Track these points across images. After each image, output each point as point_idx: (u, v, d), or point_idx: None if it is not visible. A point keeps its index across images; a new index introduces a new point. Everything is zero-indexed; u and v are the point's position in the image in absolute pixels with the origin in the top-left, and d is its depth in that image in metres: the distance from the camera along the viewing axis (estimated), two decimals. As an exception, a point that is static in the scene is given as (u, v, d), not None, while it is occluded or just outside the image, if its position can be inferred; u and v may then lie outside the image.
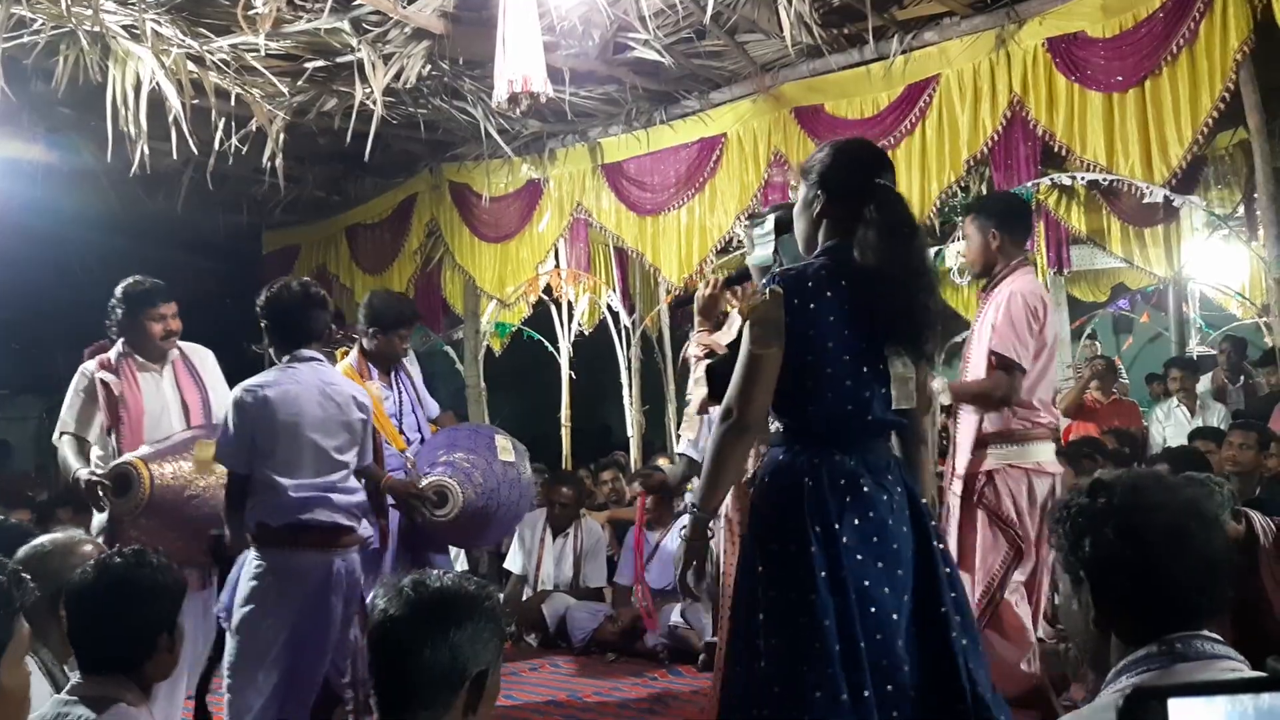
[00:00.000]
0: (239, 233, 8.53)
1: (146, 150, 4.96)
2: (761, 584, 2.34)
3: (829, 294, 2.34)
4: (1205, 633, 1.58)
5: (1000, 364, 3.62)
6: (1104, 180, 5.69)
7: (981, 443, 3.72)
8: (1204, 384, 7.46)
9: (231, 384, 3.53)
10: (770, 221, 3.63)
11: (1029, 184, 5.32)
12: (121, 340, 4.21)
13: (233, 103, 5.35)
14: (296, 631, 3.35)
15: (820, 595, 2.23)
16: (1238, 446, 4.76)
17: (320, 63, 5.33)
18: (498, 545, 6.52)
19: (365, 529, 3.65)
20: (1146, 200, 5.35)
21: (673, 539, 5.80)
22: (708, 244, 6.22)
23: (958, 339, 6.23)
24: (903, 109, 5.31)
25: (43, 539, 2.57)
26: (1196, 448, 5.00)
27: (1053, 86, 4.87)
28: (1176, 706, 1.22)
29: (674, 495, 5.81)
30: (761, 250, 3.66)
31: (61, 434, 4.14)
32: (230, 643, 3.43)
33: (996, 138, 5.04)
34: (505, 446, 4.41)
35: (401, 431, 4.55)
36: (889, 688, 2.22)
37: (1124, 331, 10.93)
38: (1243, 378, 7.58)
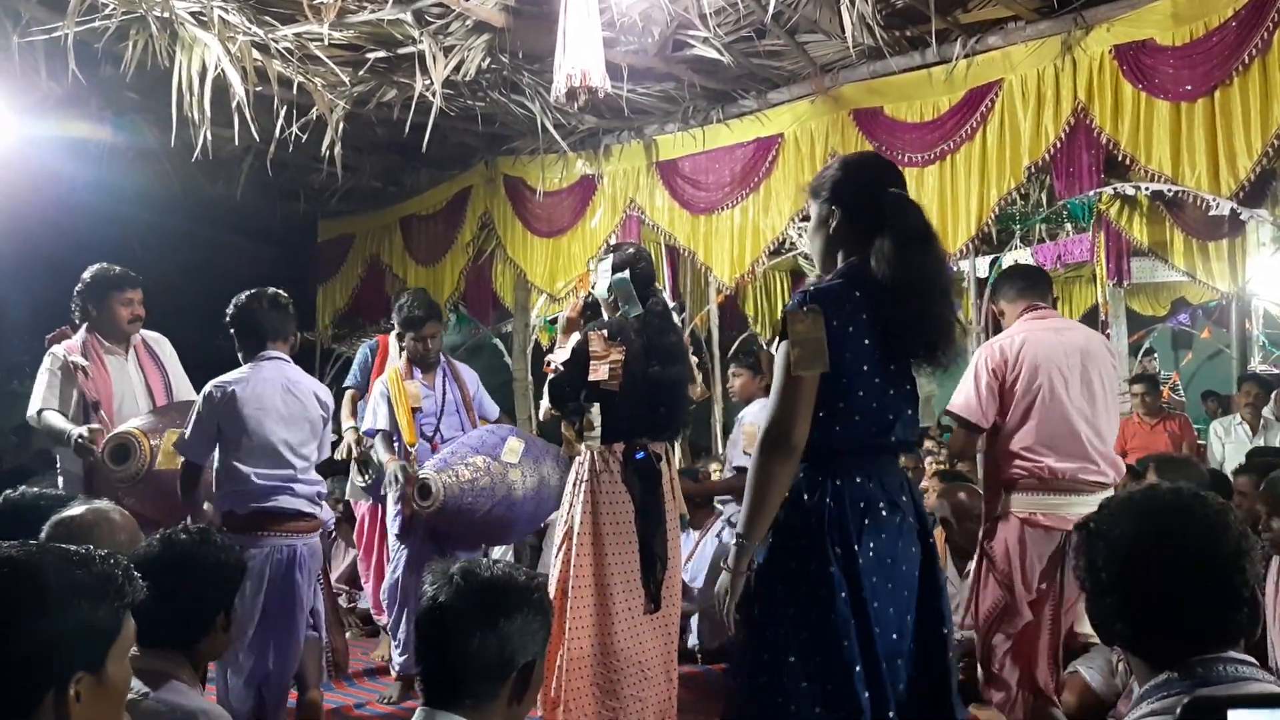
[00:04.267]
0: (295, 220, 8.63)
1: (209, 135, 5.04)
2: (778, 602, 2.32)
3: (860, 314, 2.32)
4: (1231, 654, 1.51)
5: (958, 423, 3.87)
6: (1168, 191, 5.59)
7: (990, 486, 3.92)
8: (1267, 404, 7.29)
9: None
10: (610, 259, 4.02)
11: (1091, 193, 5.23)
12: (85, 325, 4.40)
13: (294, 91, 5.42)
14: (269, 613, 3.61)
15: (839, 614, 2.24)
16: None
17: (381, 53, 5.37)
18: (542, 535, 6.59)
19: (325, 514, 3.91)
20: (1212, 213, 5.24)
21: (709, 542, 5.79)
22: (760, 244, 6.18)
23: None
24: (963, 114, 5.23)
25: (78, 509, 2.57)
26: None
27: (1119, 94, 4.77)
28: (1236, 718, 1.20)
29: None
30: (602, 283, 3.89)
31: (41, 410, 4.27)
32: None
33: (1059, 145, 4.95)
34: (513, 448, 4.50)
35: (438, 430, 4.69)
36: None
37: (1183, 347, 10.74)
38: (1306, 398, 7.39)
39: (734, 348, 9.06)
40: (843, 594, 2.25)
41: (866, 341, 2.32)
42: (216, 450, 3.72)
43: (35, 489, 2.97)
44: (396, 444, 4.77)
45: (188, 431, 3.68)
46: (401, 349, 4.98)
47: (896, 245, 2.32)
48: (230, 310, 3.83)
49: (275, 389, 3.70)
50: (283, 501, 3.65)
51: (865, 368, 2.31)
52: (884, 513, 2.33)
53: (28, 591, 1.46)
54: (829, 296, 2.33)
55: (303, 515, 3.72)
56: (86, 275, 4.42)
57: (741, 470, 4.99)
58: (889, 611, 2.29)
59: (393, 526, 4.76)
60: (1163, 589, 1.53)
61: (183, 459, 3.73)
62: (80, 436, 4.07)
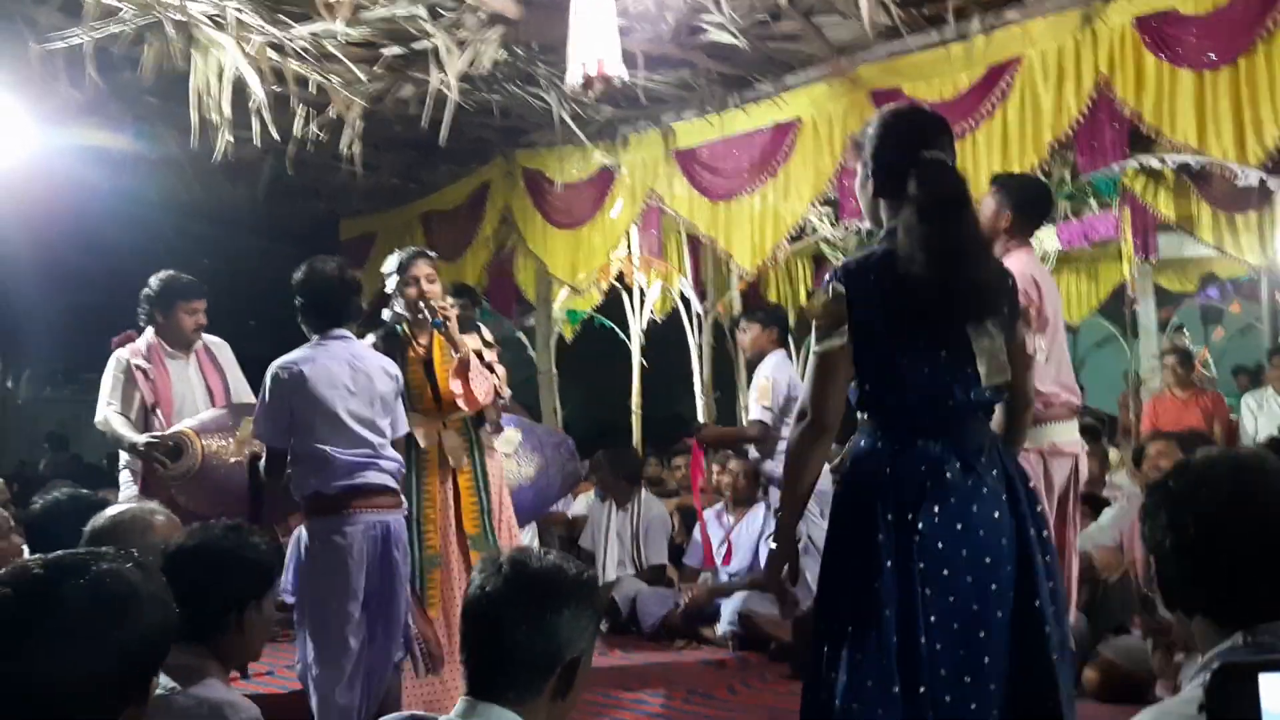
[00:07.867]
0: (317, 220, 8.66)
1: (229, 138, 5.07)
2: (833, 569, 2.31)
3: (893, 281, 2.24)
4: None
5: None
6: (1194, 164, 5.51)
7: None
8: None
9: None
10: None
11: (1115, 166, 5.16)
12: (151, 329, 4.53)
13: (311, 90, 5.43)
14: (372, 594, 3.55)
15: (884, 583, 2.18)
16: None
17: (396, 49, 5.37)
18: (570, 525, 6.68)
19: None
20: (1239, 184, 5.16)
21: (749, 524, 5.80)
22: (781, 230, 6.14)
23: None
24: (983, 91, 5.17)
25: (119, 509, 2.59)
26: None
27: (1141, 66, 4.70)
28: (1268, 681, 1.17)
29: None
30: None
31: (107, 415, 4.40)
32: (306, 617, 3.59)
33: (1082, 120, 4.87)
34: (509, 439, 4.63)
35: None
36: (966, 679, 2.15)
37: (1213, 322, 10.61)
38: (1338, 370, 7.27)
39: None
40: (888, 562, 2.18)
41: (900, 308, 2.24)
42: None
43: (84, 491, 3.09)
44: None
45: (259, 416, 3.63)
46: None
47: (918, 217, 2.24)
48: (298, 281, 3.68)
49: (342, 366, 3.63)
50: (370, 477, 3.58)
51: (906, 334, 2.25)
52: (950, 475, 2.22)
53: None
54: (853, 269, 2.30)
55: (389, 490, 3.66)
56: (154, 282, 4.52)
57: (758, 423, 5.19)
58: (964, 580, 2.18)
59: None
60: (1246, 550, 1.50)
61: (264, 445, 3.70)
62: (138, 446, 4.22)
